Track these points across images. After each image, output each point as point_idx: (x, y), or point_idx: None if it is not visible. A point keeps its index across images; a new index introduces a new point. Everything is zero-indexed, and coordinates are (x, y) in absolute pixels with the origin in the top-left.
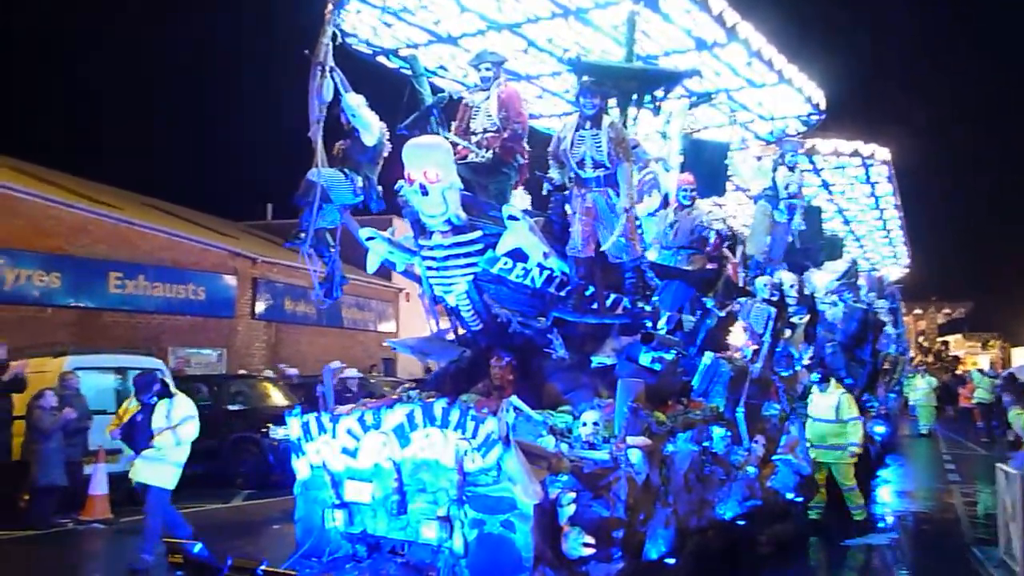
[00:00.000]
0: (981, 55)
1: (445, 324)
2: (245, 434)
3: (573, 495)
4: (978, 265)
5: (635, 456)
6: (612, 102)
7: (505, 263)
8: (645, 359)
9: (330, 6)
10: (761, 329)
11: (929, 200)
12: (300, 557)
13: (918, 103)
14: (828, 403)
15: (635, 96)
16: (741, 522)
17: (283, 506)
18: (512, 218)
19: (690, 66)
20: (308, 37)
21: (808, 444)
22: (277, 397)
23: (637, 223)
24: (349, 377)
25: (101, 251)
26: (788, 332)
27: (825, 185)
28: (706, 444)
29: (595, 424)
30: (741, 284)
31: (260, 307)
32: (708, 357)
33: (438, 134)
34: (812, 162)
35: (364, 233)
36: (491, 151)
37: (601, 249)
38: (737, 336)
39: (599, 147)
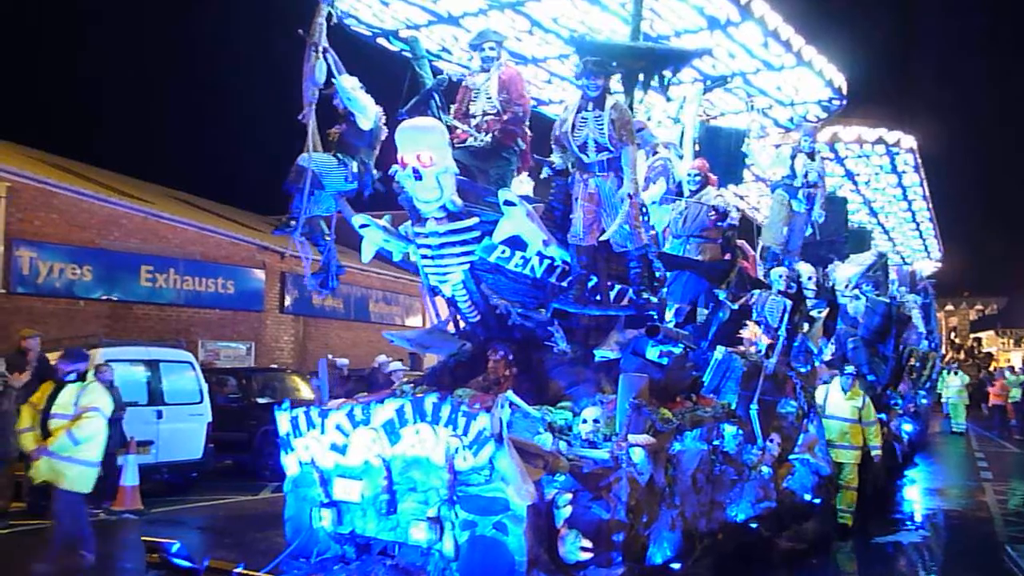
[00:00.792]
0: (1019, 31)
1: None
2: (273, 427)
3: (570, 496)
4: (1012, 260)
5: (637, 455)
6: (619, 85)
7: (503, 251)
8: (652, 353)
9: None
10: (776, 322)
11: (960, 191)
12: (288, 558)
13: (948, 87)
14: (851, 402)
15: (642, 77)
16: (754, 525)
17: None
18: (508, 203)
19: (701, 45)
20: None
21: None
22: (305, 390)
23: (643, 210)
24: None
25: (132, 245)
26: (806, 326)
27: (849, 175)
28: (716, 443)
29: (596, 421)
30: (760, 277)
31: (288, 301)
32: (720, 352)
33: (438, 118)
34: (834, 151)
35: (357, 220)
36: (491, 135)
37: (603, 237)
38: (752, 330)
39: (602, 130)
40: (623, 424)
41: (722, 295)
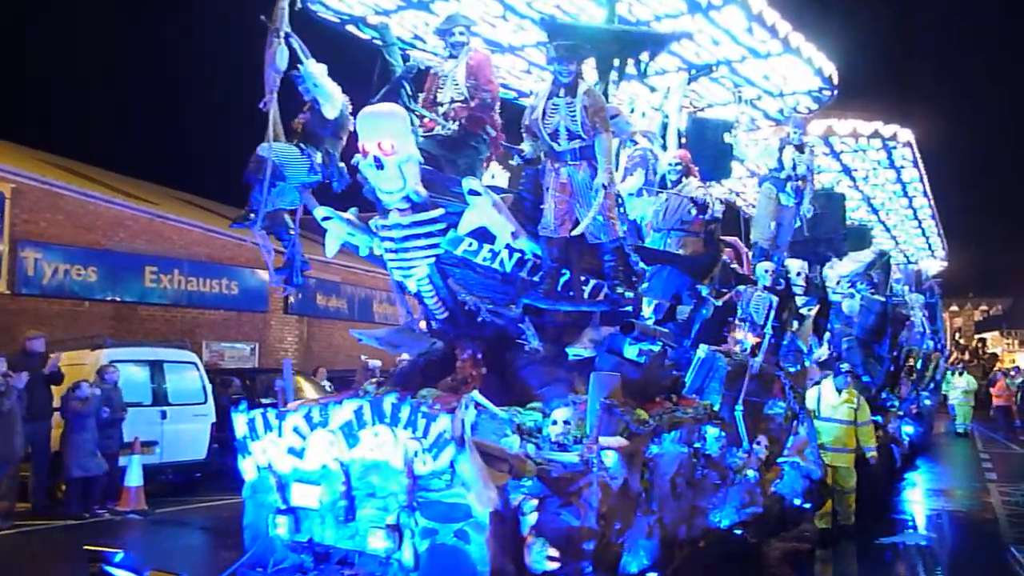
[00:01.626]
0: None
1: None
2: None
3: (536, 502)
4: (1017, 260)
5: (610, 458)
6: (594, 73)
7: (470, 244)
8: (631, 352)
9: None
10: (762, 320)
11: (964, 189)
12: (243, 567)
13: (950, 79)
14: (846, 404)
15: (616, 62)
16: (739, 531)
17: None
18: (473, 192)
19: (680, 28)
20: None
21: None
22: (309, 390)
23: (618, 200)
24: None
25: (137, 246)
26: (795, 324)
27: (846, 170)
28: (698, 445)
29: (566, 423)
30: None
31: (292, 302)
32: (703, 350)
33: (408, 108)
34: (829, 145)
35: (320, 213)
36: (458, 123)
37: (576, 230)
38: (738, 328)
39: (574, 117)
40: (594, 426)
41: (704, 291)
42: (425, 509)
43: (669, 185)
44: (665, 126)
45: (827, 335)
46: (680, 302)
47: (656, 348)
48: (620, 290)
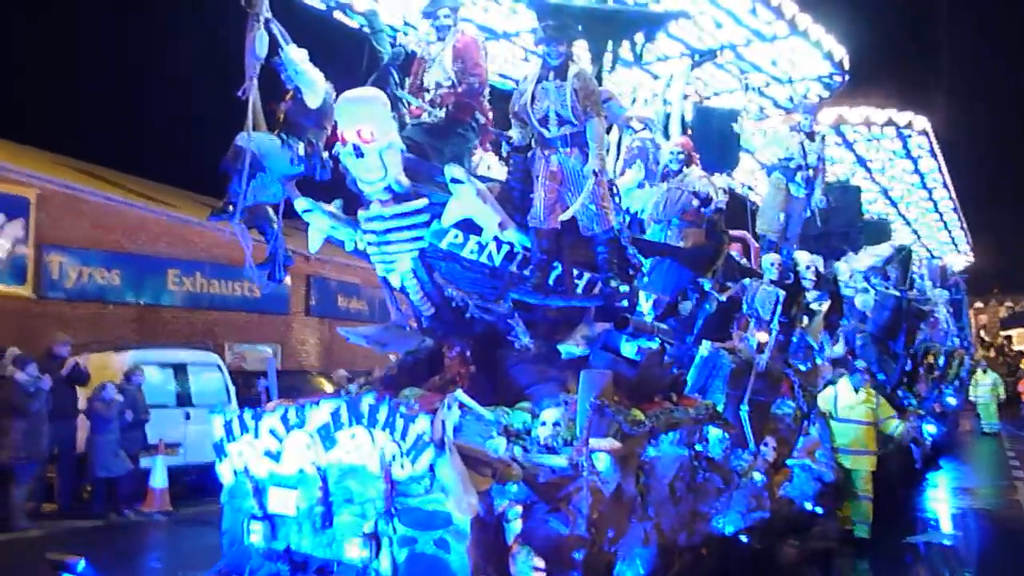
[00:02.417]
0: None
1: None
2: None
3: (521, 509)
4: None
5: (602, 462)
6: (586, 55)
7: (456, 236)
8: (627, 349)
9: None
10: (768, 315)
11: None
12: (218, 574)
13: (970, 59)
14: (865, 404)
15: (610, 43)
16: (745, 537)
17: None
18: (456, 181)
19: (678, 7)
20: None
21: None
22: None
23: (612, 189)
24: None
25: (160, 249)
26: (805, 320)
27: (861, 161)
28: (699, 447)
29: (556, 424)
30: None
31: (314, 303)
32: (706, 347)
33: (396, 96)
34: (842, 134)
35: (300, 204)
36: (444, 109)
37: (564, 217)
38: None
39: (564, 101)
40: (583, 427)
41: (707, 285)
42: (404, 516)
43: (671, 175)
44: (667, 115)
45: (838, 331)
46: (685, 298)
47: (654, 345)
48: (615, 284)
